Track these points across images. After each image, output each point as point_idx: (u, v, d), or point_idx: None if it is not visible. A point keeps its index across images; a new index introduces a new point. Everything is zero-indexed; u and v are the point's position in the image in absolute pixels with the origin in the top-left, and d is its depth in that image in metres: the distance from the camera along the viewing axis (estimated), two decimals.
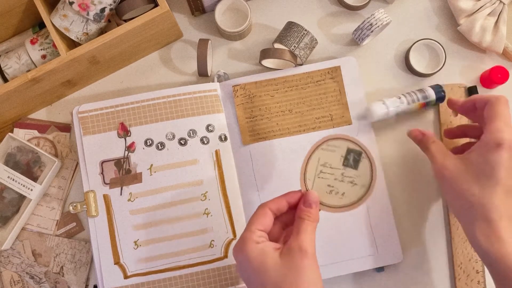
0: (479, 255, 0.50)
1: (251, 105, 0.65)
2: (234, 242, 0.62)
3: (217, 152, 0.64)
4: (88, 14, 0.59)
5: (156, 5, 0.60)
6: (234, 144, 0.65)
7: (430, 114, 0.67)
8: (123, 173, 0.64)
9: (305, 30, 0.64)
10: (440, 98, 0.61)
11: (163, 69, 0.69)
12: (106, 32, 0.60)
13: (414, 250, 0.64)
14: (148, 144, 0.64)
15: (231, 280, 0.62)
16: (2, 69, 0.64)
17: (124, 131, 0.64)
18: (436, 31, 0.69)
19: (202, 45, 0.65)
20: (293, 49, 0.63)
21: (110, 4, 0.60)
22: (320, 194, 0.52)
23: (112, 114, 0.64)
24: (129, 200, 0.63)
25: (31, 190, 0.64)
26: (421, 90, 0.63)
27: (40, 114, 0.69)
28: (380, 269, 0.63)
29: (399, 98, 0.60)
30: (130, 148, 0.64)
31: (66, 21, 0.60)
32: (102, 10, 0.60)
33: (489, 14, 0.66)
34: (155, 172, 0.64)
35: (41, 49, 0.64)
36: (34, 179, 0.64)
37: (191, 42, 0.70)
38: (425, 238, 0.64)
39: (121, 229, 0.62)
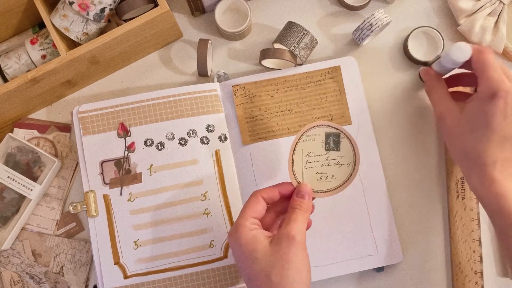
0: (479, 200, 0.53)
1: (251, 105, 0.65)
2: None
3: (217, 152, 0.64)
4: (88, 14, 0.59)
5: (156, 5, 0.60)
6: (234, 144, 0.65)
7: (432, 115, 0.67)
8: (123, 173, 0.64)
9: (305, 30, 0.64)
10: None
11: (163, 69, 0.69)
12: (106, 32, 0.60)
13: (414, 250, 0.64)
14: (148, 144, 0.64)
15: (231, 280, 0.62)
16: (2, 69, 0.64)
17: (124, 131, 0.64)
18: None
19: (202, 45, 0.65)
20: (293, 49, 0.63)
21: (110, 4, 0.60)
22: (311, 183, 0.54)
23: (112, 114, 0.64)
24: (129, 200, 0.63)
25: (31, 190, 0.64)
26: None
27: (40, 114, 0.69)
28: (380, 269, 0.63)
29: None
30: (130, 148, 0.64)
31: (66, 21, 0.60)
32: (102, 10, 0.60)
33: (489, 14, 0.66)
34: (155, 172, 0.64)
35: (41, 49, 0.64)
36: (34, 179, 0.64)
37: (191, 42, 0.70)
38: (425, 238, 0.64)
39: (121, 229, 0.62)
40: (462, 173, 0.55)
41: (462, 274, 0.62)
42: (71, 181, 0.67)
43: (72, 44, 0.65)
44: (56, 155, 0.67)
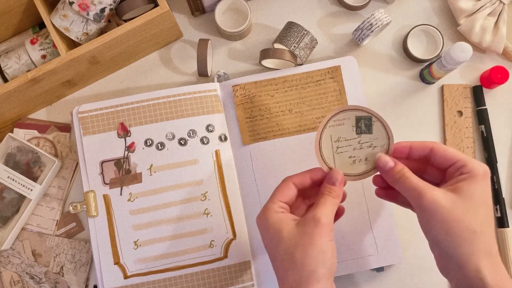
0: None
1: (251, 105, 0.65)
2: (234, 242, 0.62)
3: (217, 152, 0.64)
4: (88, 14, 0.59)
5: (156, 5, 0.60)
6: (234, 144, 0.65)
7: (433, 115, 0.67)
8: (123, 173, 0.64)
9: (305, 30, 0.64)
10: None
11: (163, 69, 0.69)
12: (106, 32, 0.60)
13: (414, 250, 0.64)
14: (148, 144, 0.64)
15: (231, 280, 0.62)
16: (2, 69, 0.64)
17: (124, 131, 0.64)
18: None
19: (202, 45, 0.65)
20: (293, 49, 0.63)
21: (110, 4, 0.60)
22: (344, 167, 0.54)
23: (112, 114, 0.64)
24: (129, 200, 0.63)
25: (31, 190, 0.64)
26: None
27: (40, 114, 0.69)
28: (380, 269, 0.63)
29: None
30: (130, 148, 0.64)
31: (66, 21, 0.60)
32: (102, 10, 0.60)
33: (489, 14, 0.65)
34: (155, 172, 0.64)
35: (41, 49, 0.64)
36: (34, 179, 0.64)
37: (191, 42, 0.70)
38: (424, 238, 0.64)
39: (121, 229, 0.62)
40: (457, 261, 0.47)
41: None
42: (71, 181, 0.67)
43: (72, 44, 0.65)
44: (56, 155, 0.67)
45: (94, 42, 0.59)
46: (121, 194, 0.63)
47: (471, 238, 0.46)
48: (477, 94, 0.67)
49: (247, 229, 0.63)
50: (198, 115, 0.65)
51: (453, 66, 0.60)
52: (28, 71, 0.63)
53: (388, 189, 0.56)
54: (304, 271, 0.47)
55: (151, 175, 0.64)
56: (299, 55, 0.64)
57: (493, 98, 0.67)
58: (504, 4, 0.65)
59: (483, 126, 0.66)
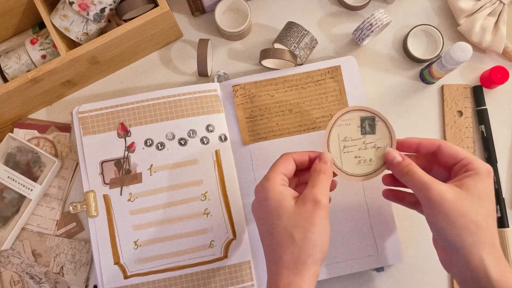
0: (476, 279, 0.47)
1: (251, 105, 0.65)
2: (234, 242, 0.63)
3: (217, 152, 0.64)
4: (88, 14, 0.59)
5: (156, 5, 0.60)
6: (234, 144, 0.65)
7: (433, 115, 0.67)
8: (123, 173, 0.64)
9: (305, 30, 0.64)
10: None
11: (163, 69, 0.69)
12: (106, 32, 0.60)
13: (414, 250, 0.64)
14: (148, 144, 0.64)
15: (231, 280, 0.62)
16: (2, 69, 0.64)
17: (124, 131, 0.64)
18: None
19: (202, 45, 0.65)
20: (293, 49, 0.63)
21: (110, 4, 0.60)
22: (350, 168, 0.55)
23: (112, 114, 0.64)
24: (129, 200, 0.63)
25: (31, 190, 0.64)
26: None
27: (40, 114, 0.69)
28: (380, 269, 0.63)
29: None
30: (130, 148, 0.64)
31: (66, 21, 0.60)
32: (102, 10, 0.60)
33: (489, 14, 0.65)
34: (155, 172, 0.64)
35: (41, 49, 0.64)
36: (34, 179, 0.64)
37: (191, 42, 0.70)
38: (425, 238, 0.64)
39: (121, 229, 0.62)
40: (459, 253, 0.48)
41: None
42: (71, 181, 0.67)
43: (72, 44, 0.65)
44: (56, 155, 0.67)
45: (94, 42, 0.59)
46: (121, 194, 0.63)
47: (475, 230, 0.47)
48: (477, 94, 0.67)
49: (247, 229, 0.63)
50: (198, 115, 0.65)
51: (453, 66, 0.60)
52: (28, 71, 0.63)
53: (397, 192, 0.58)
54: (303, 252, 0.47)
55: (151, 175, 0.64)
56: (299, 55, 0.64)
57: (493, 98, 0.67)
58: (504, 4, 0.65)
59: (483, 126, 0.66)
